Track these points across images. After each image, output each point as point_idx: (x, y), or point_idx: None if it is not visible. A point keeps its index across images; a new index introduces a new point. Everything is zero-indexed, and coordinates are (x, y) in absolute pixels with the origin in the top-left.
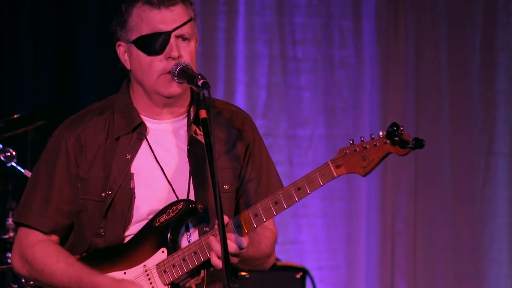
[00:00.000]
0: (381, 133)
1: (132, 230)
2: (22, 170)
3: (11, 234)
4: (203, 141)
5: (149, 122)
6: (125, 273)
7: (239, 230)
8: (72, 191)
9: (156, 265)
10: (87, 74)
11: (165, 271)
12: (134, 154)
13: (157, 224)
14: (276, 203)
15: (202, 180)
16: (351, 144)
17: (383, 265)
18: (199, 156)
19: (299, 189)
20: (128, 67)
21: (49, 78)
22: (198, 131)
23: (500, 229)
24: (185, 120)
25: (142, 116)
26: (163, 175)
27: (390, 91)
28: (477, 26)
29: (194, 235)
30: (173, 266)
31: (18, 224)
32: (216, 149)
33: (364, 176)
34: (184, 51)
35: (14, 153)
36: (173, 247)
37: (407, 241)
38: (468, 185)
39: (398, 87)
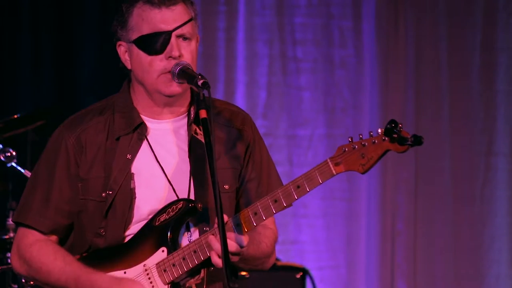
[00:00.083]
0: (379, 131)
1: (133, 230)
2: (22, 170)
3: (11, 234)
4: (203, 140)
5: (149, 122)
6: (125, 272)
7: (238, 228)
8: (72, 191)
9: (156, 264)
10: (87, 74)
11: (165, 270)
12: (134, 154)
13: (157, 224)
14: (276, 201)
15: (203, 179)
16: (349, 141)
17: (383, 265)
18: (199, 156)
19: (298, 187)
20: (129, 67)
21: (49, 78)
22: (198, 130)
23: (500, 229)
24: (185, 120)
25: (143, 116)
26: (163, 175)
27: (390, 91)
28: (477, 26)
29: (195, 234)
30: (173, 265)
31: (17, 224)
32: (216, 149)
33: (363, 173)
34: (185, 51)
35: (14, 153)
36: (173, 246)
37: (407, 241)
38: (468, 185)
39: (398, 87)
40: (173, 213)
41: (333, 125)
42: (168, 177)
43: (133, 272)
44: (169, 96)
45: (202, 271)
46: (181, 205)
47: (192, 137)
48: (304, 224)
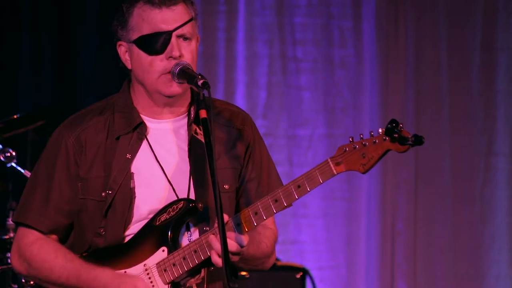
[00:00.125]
0: (380, 130)
1: (133, 229)
2: (22, 170)
3: (11, 234)
4: (203, 140)
5: (149, 122)
6: (125, 272)
7: (239, 228)
8: (72, 191)
9: (157, 264)
10: (87, 74)
11: (165, 270)
12: (134, 153)
13: (157, 223)
14: (276, 201)
15: (202, 179)
16: (350, 141)
17: (383, 265)
18: (199, 156)
19: (299, 186)
20: (129, 67)
21: (49, 78)
22: (198, 130)
23: (500, 229)
24: (186, 120)
25: (142, 116)
26: (163, 175)
27: (390, 91)
28: (477, 26)
29: (195, 234)
30: (174, 264)
31: (17, 224)
32: (216, 149)
33: (363, 173)
34: (185, 51)
35: (14, 153)
36: (173, 246)
37: (407, 241)
38: (468, 185)
39: (398, 87)
40: (174, 212)
41: (333, 125)
42: (168, 177)
43: (133, 271)
44: (169, 97)
45: (203, 270)
46: (181, 204)
47: (192, 137)
48: (304, 224)
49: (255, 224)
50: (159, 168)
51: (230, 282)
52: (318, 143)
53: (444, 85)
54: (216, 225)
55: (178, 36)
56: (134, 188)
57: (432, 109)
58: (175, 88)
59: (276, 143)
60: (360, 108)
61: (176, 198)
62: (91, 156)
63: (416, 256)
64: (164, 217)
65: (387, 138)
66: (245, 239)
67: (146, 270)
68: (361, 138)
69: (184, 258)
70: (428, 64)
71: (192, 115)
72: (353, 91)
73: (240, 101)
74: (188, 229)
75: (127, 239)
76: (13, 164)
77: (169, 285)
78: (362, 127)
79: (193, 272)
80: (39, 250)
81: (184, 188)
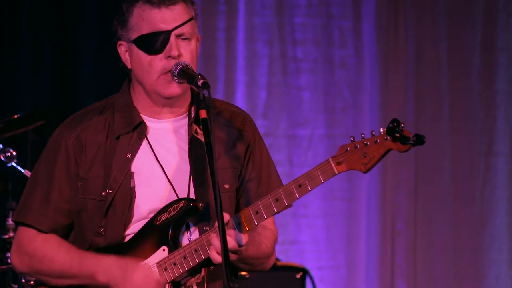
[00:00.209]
0: (381, 130)
1: (133, 229)
2: (22, 170)
3: (11, 234)
4: (203, 140)
5: (149, 121)
6: None
7: (239, 227)
8: (72, 191)
9: (157, 263)
10: (87, 74)
11: (165, 269)
12: (134, 153)
13: (158, 223)
14: (277, 200)
15: (203, 179)
16: (352, 141)
17: (383, 265)
18: (199, 156)
19: (300, 186)
20: (129, 67)
21: (49, 78)
22: (198, 130)
23: (500, 229)
24: (186, 120)
25: (143, 116)
26: (163, 174)
27: (390, 91)
28: (477, 26)
29: (195, 234)
30: (174, 264)
31: (17, 223)
32: (216, 149)
33: (365, 173)
34: (185, 50)
35: (14, 153)
36: (174, 245)
37: (407, 241)
38: (468, 185)
39: (398, 87)
40: (174, 212)
41: (333, 125)
42: (168, 176)
43: None
44: (168, 98)
45: (203, 270)
46: (182, 204)
47: (193, 137)
48: (304, 224)
49: (256, 223)
50: (159, 168)
51: (230, 282)
52: (318, 143)
53: (444, 85)
54: (216, 224)
55: (177, 36)
56: (134, 187)
57: (432, 109)
58: (173, 89)
59: (276, 143)
60: (360, 108)
61: (176, 198)
62: (91, 156)
63: (416, 256)
64: (164, 216)
65: (389, 138)
66: (244, 238)
67: None
68: (362, 138)
69: (184, 257)
70: (428, 64)
71: (192, 115)
72: (353, 91)
73: (240, 101)
74: (188, 229)
75: (127, 238)
76: (13, 164)
77: (170, 284)
78: (362, 127)
79: (193, 271)
80: (41, 243)
81: (184, 187)
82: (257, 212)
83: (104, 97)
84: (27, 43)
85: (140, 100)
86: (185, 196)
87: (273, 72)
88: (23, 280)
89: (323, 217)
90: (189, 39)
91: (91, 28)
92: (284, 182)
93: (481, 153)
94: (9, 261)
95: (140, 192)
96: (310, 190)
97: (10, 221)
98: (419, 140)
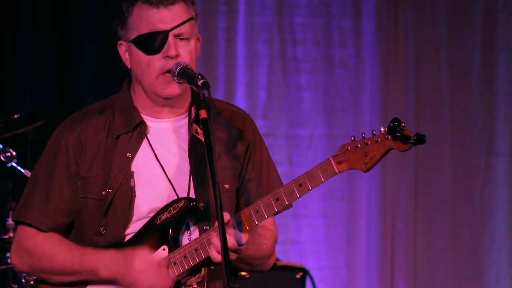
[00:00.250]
0: (382, 129)
1: (133, 228)
2: (22, 170)
3: (11, 234)
4: (204, 140)
5: (149, 121)
6: None
7: (240, 227)
8: (72, 190)
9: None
10: (87, 74)
11: None
12: (134, 152)
13: (158, 222)
14: (278, 199)
15: (203, 179)
16: (352, 140)
17: (383, 265)
18: (199, 155)
19: (300, 185)
20: (129, 66)
21: (49, 78)
22: (199, 130)
23: (500, 229)
24: (186, 119)
25: (143, 115)
26: (163, 174)
27: (390, 91)
28: (477, 26)
29: (195, 233)
30: (174, 263)
31: (17, 223)
32: (217, 149)
33: (365, 172)
34: (183, 50)
35: (14, 153)
36: (174, 245)
37: (407, 241)
38: (468, 185)
39: (398, 87)
40: (175, 211)
41: (333, 125)
42: (168, 176)
43: None
44: (166, 98)
45: (203, 269)
46: (182, 203)
47: (193, 137)
48: (304, 224)
49: (256, 222)
50: (159, 167)
51: (230, 282)
52: (318, 143)
53: (444, 85)
54: (216, 224)
55: (176, 36)
56: (134, 186)
57: (432, 109)
58: (172, 89)
59: (276, 143)
60: (360, 108)
61: (176, 197)
62: (91, 155)
63: (416, 256)
64: (165, 216)
65: (389, 137)
66: (244, 237)
67: None
68: (363, 137)
69: (184, 257)
70: (428, 64)
71: (193, 115)
72: (353, 91)
73: (240, 101)
74: (188, 228)
75: (127, 238)
76: (13, 164)
77: None
78: (362, 127)
79: (193, 270)
80: (41, 241)
81: (184, 187)
82: (257, 211)
83: (104, 97)
84: (27, 43)
85: (140, 100)
86: (185, 195)
87: (273, 72)
88: (23, 280)
89: (323, 217)
90: (187, 39)
91: (91, 28)
92: (284, 182)
93: (481, 153)
94: (9, 261)
95: (140, 192)
96: (310, 189)
97: (10, 221)
98: (420, 139)
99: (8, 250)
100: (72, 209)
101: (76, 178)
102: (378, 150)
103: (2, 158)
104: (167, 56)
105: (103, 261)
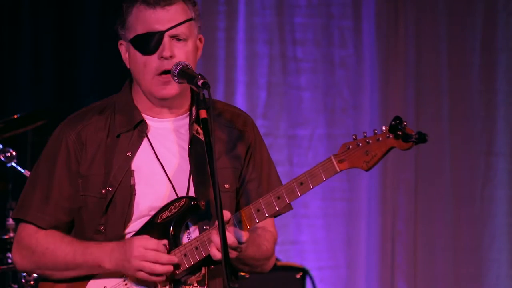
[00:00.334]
0: (384, 128)
1: (133, 227)
2: (22, 170)
3: (11, 234)
4: (204, 140)
5: (150, 120)
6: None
7: (240, 225)
8: (72, 188)
9: None
10: (87, 74)
11: None
12: (134, 151)
13: (159, 221)
14: (279, 197)
15: (203, 178)
16: (354, 139)
17: (383, 265)
18: (199, 155)
19: (301, 184)
20: (128, 66)
21: (49, 78)
22: (199, 130)
23: (500, 229)
24: (187, 119)
25: (143, 114)
26: (163, 173)
27: (390, 91)
28: (477, 26)
29: (195, 233)
30: None
31: (17, 220)
32: (217, 149)
33: (367, 170)
34: (179, 51)
35: (14, 153)
36: (174, 243)
37: (407, 241)
38: (468, 185)
39: (398, 87)
40: (176, 210)
41: (333, 125)
42: (168, 175)
43: None
44: (162, 99)
45: (203, 268)
46: (183, 202)
47: (193, 136)
48: (304, 224)
49: (257, 221)
50: (160, 166)
51: (230, 282)
52: (318, 143)
53: (444, 85)
54: (216, 223)
55: (172, 37)
56: (134, 185)
57: (432, 109)
58: (167, 90)
59: (276, 143)
60: (360, 108)
61: (175, 196)
62: (92, 154)
63: (416, 256)
64: (166, 214)
65: (391, 136)
66: (245, 235)
67: None
68: (365, 136)
69: (185, 255)
70: (428, 64)
71: (193, 115)
72: (353, 91)
73: (240, 101)
74: (187, 228)
75: (127, 236)
76: (13, 164)
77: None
78: (362, 127)
79: (194, 269)
80: (43, 237)
81: (184, 186)
82: (258, 210)
83: (104, 97)
84: (27, 43)
85: (140, 100)
86: (185, 195)
87: (273, 72)
88: (23, 280)
89: (323, 217)
90: (185, 40)
91: (91, 28)
92: (284, 182)
93: (481, 153)
94: (9, 261)
95: (140, 190)
96: (311, 188)
97: (10, 221)
98: (422, 137)
99: (9, 250)
100: (72, 207)
101: (76, 176)
102: (379, 148)
103: (2, 158)
104: (162, 57)
105: (107, 254)
